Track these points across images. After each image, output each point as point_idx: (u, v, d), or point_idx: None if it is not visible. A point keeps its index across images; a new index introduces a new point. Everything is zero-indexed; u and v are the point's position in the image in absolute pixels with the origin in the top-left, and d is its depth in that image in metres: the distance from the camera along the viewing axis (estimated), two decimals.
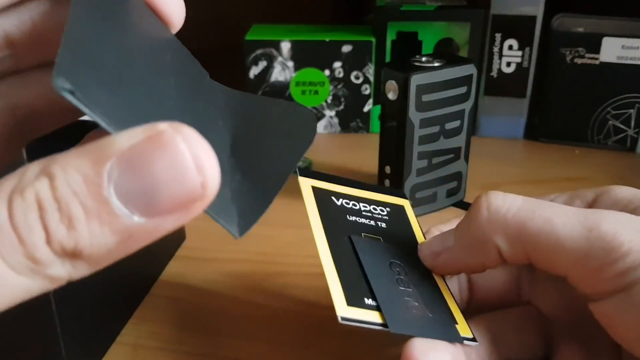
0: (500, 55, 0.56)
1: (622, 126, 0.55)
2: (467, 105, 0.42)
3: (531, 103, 0.58)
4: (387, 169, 0.43)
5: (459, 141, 0.43)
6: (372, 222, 0.27)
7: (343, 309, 0.22)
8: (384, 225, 0.28)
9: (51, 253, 0.13)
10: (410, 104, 0.40)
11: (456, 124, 0.42)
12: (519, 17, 0.54)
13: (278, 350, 0.30)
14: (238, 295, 0.35)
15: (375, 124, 0.59)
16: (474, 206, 0.24)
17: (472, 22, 0.54)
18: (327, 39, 0.57)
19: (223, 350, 0.31)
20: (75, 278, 0.14)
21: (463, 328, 0.25)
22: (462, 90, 0.42)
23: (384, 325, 0.23)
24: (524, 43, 0.55)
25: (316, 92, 0.58)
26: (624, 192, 0.25)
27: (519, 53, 0.56)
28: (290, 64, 0.58)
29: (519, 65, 0.56)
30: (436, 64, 0.40)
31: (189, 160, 0.13)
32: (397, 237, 0.28)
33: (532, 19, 0.54)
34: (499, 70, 0.57)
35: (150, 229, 0.14)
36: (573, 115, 0.56)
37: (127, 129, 0.13)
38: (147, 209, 0.13)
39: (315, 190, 0.27)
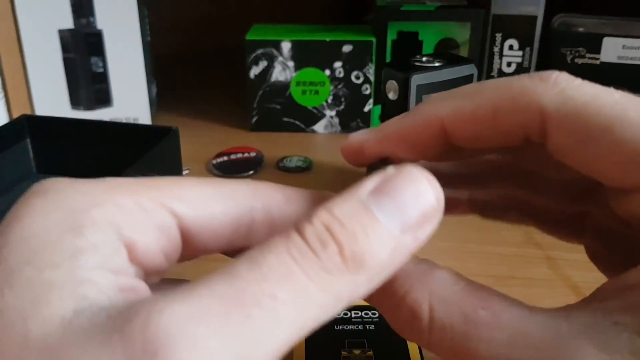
0: (501, 55, 0.56)
1: None
2: None
3: None
4: None
5: None
6: (360, 327, 0.31)
7: None
8: (372, 327, 0.31)
9: (341, 262, 0.15)
10: (411, 104, 0.40)
11: None
12: (520, 17, 0.55)
13: None
14: None
15: (376, 124, 0.59)
16: None
17: (473, 22, 0.54)
18: (328, 39, 0.57)
19: None
20: (354, 298, 0.15)
21: None
22: None
23: None
24: (525, 43, 0.55)
25: (316, 92, 0.58)
26: None
27: (520, 53, 0.56)
28: (291, 63, 0.58)
29: (519, 65, 0.56)
30: (436, 64, 0.40)
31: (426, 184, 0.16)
32: (381, 333, 0.30)
33: (533, 19, 0.54)
34: (500, 70, 0.57)
35: (409, 241, 0.16)
36: None
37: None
38: (404, 225, 0.15)
39: None
